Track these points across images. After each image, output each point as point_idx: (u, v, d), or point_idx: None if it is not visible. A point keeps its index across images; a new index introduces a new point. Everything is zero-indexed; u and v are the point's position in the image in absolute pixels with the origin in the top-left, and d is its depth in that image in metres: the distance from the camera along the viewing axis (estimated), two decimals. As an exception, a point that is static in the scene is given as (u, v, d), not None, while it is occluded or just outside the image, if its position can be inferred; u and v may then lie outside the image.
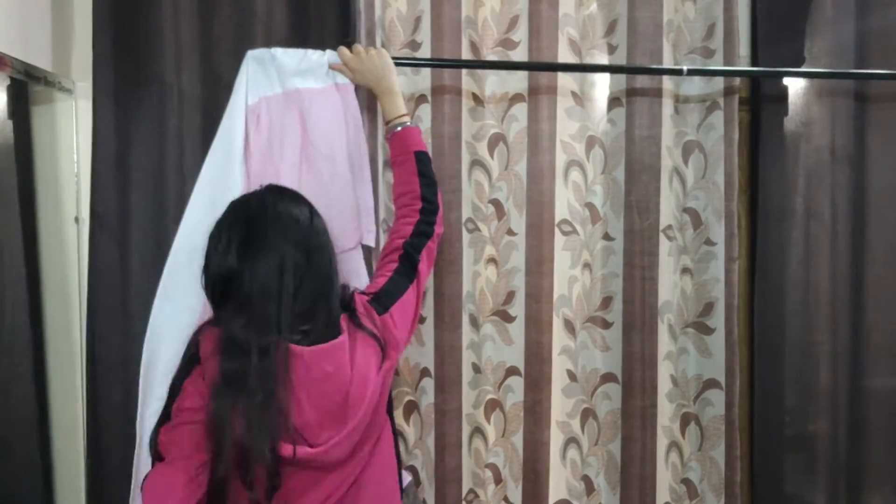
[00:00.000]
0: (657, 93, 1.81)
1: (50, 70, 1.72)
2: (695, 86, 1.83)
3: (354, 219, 1.60)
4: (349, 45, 1.57)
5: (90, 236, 1.72)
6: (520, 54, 1.81)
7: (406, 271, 1.35)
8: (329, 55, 1.59)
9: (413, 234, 1.39)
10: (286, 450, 1.13)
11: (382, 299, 1.30)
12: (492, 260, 1.84)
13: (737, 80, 1.80)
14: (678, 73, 1.76)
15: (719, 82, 1.80)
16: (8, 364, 1.67)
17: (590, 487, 1.88)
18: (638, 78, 1.80)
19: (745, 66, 1.86)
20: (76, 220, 1.81)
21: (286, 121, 1.56)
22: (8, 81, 1.62)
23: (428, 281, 1.79)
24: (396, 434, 1.42)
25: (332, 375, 1.17)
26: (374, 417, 1.27)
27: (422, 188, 1.44)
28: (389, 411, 1.40)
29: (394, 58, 1.59)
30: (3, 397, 1.66)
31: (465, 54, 1.79)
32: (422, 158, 1.47)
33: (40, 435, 1.79)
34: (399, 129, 1.50)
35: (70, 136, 1.80)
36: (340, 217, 1.55)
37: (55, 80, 1.73)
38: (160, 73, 1.72)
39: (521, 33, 1.80)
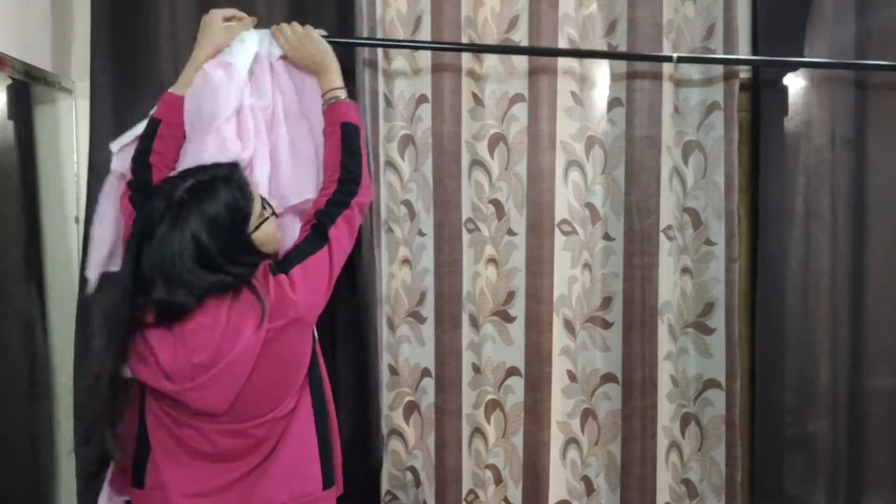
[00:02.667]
0: (657, 93, 1.81)
1: (50, 70, 1.73)
2: (695, 86, 1.82)
3: (312, 176, 1.56)
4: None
5: (90, 236, 1.72)
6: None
7: (315, 239, 1.36)
8: (264, 34, 1.56)
9: (327, 203, 1.40)
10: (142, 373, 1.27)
11: (283, 263, 1.33)
12: (492, 260, 1.84)
13: (737, 81, 1.80)
14: (668, 59, 1.75)
15: (720, 85, 1.79)
16: (9, 364, 1.67)
17: (590, 488, 1.88)
18: (637, 79, 1.80)
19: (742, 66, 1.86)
20: (76, 220, 1.81)
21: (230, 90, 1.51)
22: (8, 81, 1.62)
23: (427, 281, 1.80)
24: (324, 412, 1.43)
25: (205, 328, 1.25)
26: (276, 379, 1.31)
27: (343, 158, 1.44)
28: (316, 387, 1.41)
29: (394, 40, 1.65)
30: (4, 397, 1.66)
31: (466, 54, 1.79)
32: (348, 130, 1.46)
33: (41, 435, 1.79)
34: (332, 101, 1.50)
35: (70, 136, 1.80)
36: (299, 173, 1.53)
37: (55, 80, 1.74)
38: (159, 72, 1.72)
39: (521, 33, 1.80)
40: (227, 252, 1.26)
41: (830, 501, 1.90)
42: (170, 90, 1.48)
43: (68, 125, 1.79)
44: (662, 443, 1.84)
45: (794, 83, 1.87)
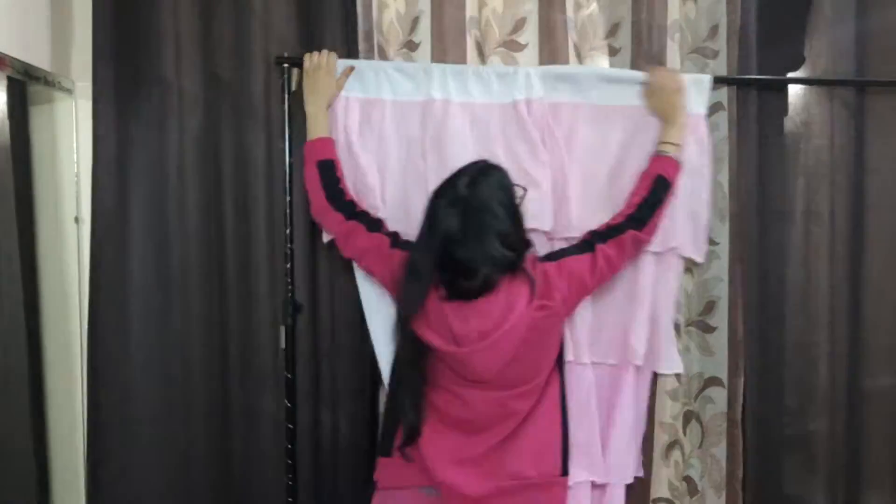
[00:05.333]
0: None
1: (49, 70, 1.72)
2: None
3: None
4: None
5: (90, 236, 1.71)
6: (524, 56, 1.80)
7: (581, 247, 1.58)
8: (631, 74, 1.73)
9: (606, 227, 1.61)
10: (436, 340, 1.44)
11: (544, 258, 1.56)
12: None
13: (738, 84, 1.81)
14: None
15: (723, 86, 1.80)
16: (6, 364, 1.66)
17: (591, 486, 1.88)
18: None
19: (744, 66, 1.86)
20: (76, 220, 1.80)
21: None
22: (7, 81, 1.61)
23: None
24: (565, 403, 1.55)
25: (490, 301, 1.43)
26: (534, 355, 1.47)
27: (644, 202, 1.62)
28: (563, 376, 1.56)
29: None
30: (0, 398, 1.65)
31: (470, 54, 1.78)
32: (659, 183, 1.64)
33: (38, 436, 1.78)
34: (661, 154, 1.67)
35: (70, 135, 1.79)
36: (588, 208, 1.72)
37: (55, 80, 1.73)
38: (160, 72, 1.71)
39: (527, 35, 1.80)
40: (518, 230, 1.48)
41: (829, 501, 1.90)
42: (315, 138, 1.65)
43: (68, 125, 1.79)
44: (663, 440, 1.85)
45: (794, 83, 1.87)
